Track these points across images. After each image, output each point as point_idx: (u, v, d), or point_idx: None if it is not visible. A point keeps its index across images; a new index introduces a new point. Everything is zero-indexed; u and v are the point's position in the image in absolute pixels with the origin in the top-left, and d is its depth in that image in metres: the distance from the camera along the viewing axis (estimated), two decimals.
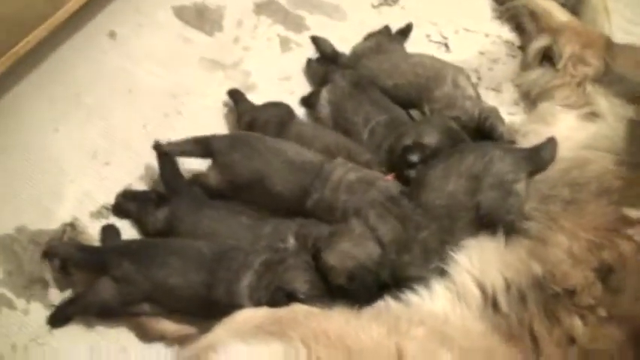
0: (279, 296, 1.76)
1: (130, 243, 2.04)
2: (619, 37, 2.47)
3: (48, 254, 2.05)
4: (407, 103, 2.33)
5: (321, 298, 1.78)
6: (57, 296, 2.04)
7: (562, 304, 1.70)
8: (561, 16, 2.49)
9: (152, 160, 2.24)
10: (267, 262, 1.84)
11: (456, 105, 2.24)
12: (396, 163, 2.09)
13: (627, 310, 1.68)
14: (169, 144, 2.15)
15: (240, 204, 2.09)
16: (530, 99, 2.41)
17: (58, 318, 1.98)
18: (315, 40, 2.61)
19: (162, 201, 2.09)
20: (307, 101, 2.43)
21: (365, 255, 1.82)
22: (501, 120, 2.20)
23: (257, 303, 1.79)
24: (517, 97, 2.47)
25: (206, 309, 1.86)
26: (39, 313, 2.01)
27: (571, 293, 1.71)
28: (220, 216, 2.03)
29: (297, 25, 2.70)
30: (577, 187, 1.91)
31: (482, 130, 2.18)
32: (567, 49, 2.33)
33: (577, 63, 2.29)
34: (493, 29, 2.67)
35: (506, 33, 2.66)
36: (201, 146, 2.13)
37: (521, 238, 1.83)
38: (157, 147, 2.13)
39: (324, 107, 2.32)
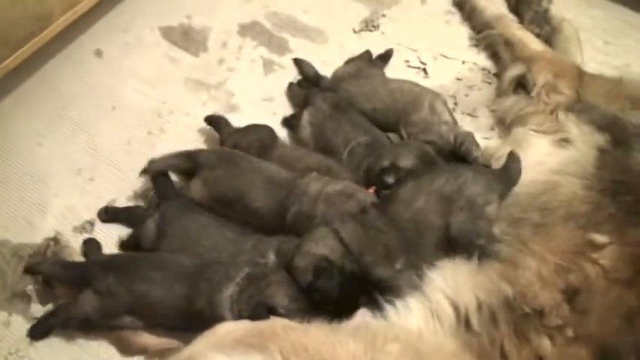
0: (260, 311, 1.80)
1: (114, 257, 2.07)
2: (591, 67, 2.56)
3: (30, 271, 2.08)
4: (385, 127, 2.39)
5: (302, 313, 1.82)
6: (39, 310, 2.05)
7: (531, 324, 1.75)
8: (535, 45, 2.56)
9: (135, 176, 2.30)
10: (249, 277, 1.88)
11: (432, 129, 2.30)
12: (373, 184, 2.14)
13: (593, 331, 1.74)
14: (156, 161, 2.22)
15: (225, 218, 2.13)
16: (504, 124, 2.46)
17: (39, 330, 1.99)
18: (298, 63, 2.68)
19: (147, 214, 2.13)
20: (289, 123, 2.49)
21: (327, 250, 1.87)
22: (476, 144, 2.26)
23: (237, 315, 1.83)
24: (492, 122, 2.53)
25: (187, 321, 1.90)
26: (20, 325, 2.02)
27: (540, 314, 1.76)
28: (207, 225, 2.07)
29: (281, 48, 2.77)
30: (547, 211, 1.97)
31: (458, 154, 2.23)
32: (541, 78, 2.39)
33: (550, 91, 2.35)
34: (470, 56, 2.75)
35: (483, 60, 2.73)
36: (188, 160, 2.19)
37: (492, 260, 1.88)
38: (148, 168, 2.22)
39: (305, 128, 2.37)
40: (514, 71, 2.51)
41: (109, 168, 2.39)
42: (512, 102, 2.46)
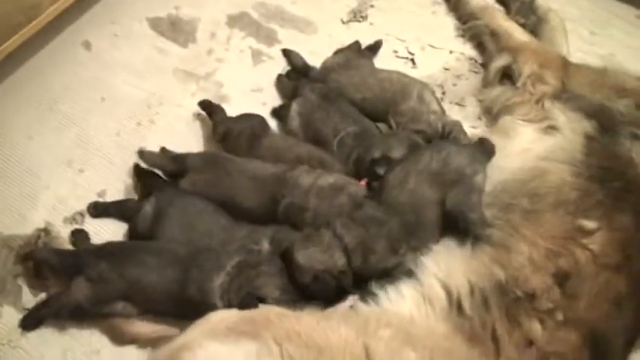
0: (249, 301, 1.80)
1: (107, 244, 2.07)
2: (577, 57, 2.59)
3: (26, 258, 2.08)
4: (375, 117, 2.41)
5: (292, 303, 1.83)
6: (30, 300, 2.05)
7: (522, 308, 1.78)
8: (521, 36, 2.59)
9: (125, 167, 2.31)
10: (240, 265, 1.89)
11: (421, 119, 2.32)
12: (364, 175, 2.16)
13: (583, 315, 1.78)
14: (145, 153, 2.25)
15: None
16: (492, 114, 2.48)
17: (31, 321, 1.99)
18: (287, 53, 2.69)
19: (139, 205, 2.14)
20: (278, 114, 2.49)
21: (331, 262, 1.88)
22: (464, 133, 2.29)
23: (227, 304, 1.84)
24: (480, 111, 2.55)
25: (179, 308, 1.91)
26: (12, 316, 2.02)
27: (531, 297, 1.79)
28: (202, 211, 2.08)
29: (269, 39, 2.77)
30: (536, 197, 1.99)
31: None
32: (526, 68, 2.41)
33: (536, 82, 2.37)
34: (457, 46, 2.77)
35: (469, 50, 2.76)
36: (176, 163, 2.21)
37: (484, 244, 1.91)
38: (140, 152, 2.25)
39: (294, 119, 2.38)
40: (500, 62, 2.54)
41: (99, 159, 2.38)
42: (499, 92, 2.48)
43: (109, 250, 2.00)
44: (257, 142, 2.28)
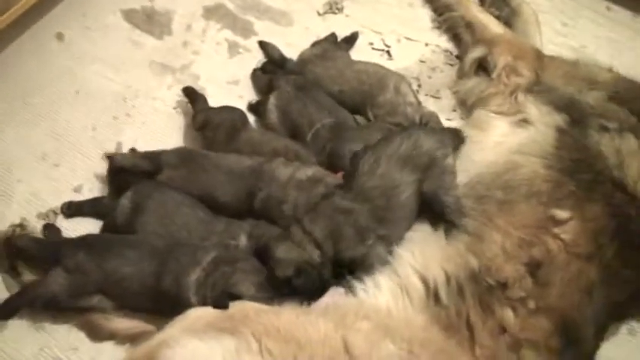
0: (222, 299, 1.81)
1: (87, 236, 2.07)
2: (549, 48, 2.63)
3: (5, 244, 2.06)
4: (352, 108, 2.42)
5: (269, 300, 1.84)
6: (4, 297, 2.01)
7: (495, 296, 1.82)
8: (496, 28, 2.61)
9: (102, 162, 2.28)
10: (216, 260, 1.90)
11: (398, 111, 2.34)
12: (345, 167, 2.15)
13: (554, 303, 1.83)
14: (119, 155, 2.23)
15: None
16: (466, 106, 2.51)
17: (5, 310, 1.96)
18: (263, 46, 2.68)
19: (114, 203, 2.13)
20: (255, 109, 2.49)
21: (307, 256, 1.90)
22: (440, 125, 2.33)
23: (202, 299, 1.85)
24: (455, 103, 2.58)
25: (155, 302, 1.92)
26: None
27: (504, 286, 1.83)
28: (181, 203, 2.08)
29: (246, 31, 2.76)
30: (509, 189, 2.03)
31: None
32: (501, 59, 2.44)
33: (510, 73, 2.39)
34: (432, 39, 2.79)
35: (445, 42, 2.78)
36: (150, 161, 2.19)
37: (460, 233, 1.95)
38: (110, 157, 2.21)
39: (272, 112, 2.38)
40: (475, 53, 2.56)
41: (75, 154, 2.37)
42: (474, 83, 2.51)
43: (88, 241, 2.00)
44: (236, 136, 2.28)
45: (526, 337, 1.78)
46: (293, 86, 2.40)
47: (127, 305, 1.98)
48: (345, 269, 1.93)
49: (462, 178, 2.07)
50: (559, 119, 2.18)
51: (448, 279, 1.86)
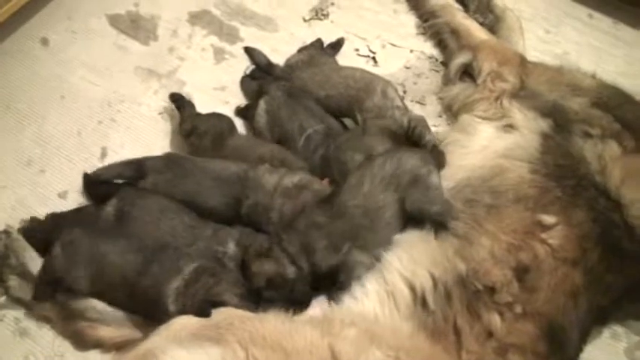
0: (205, 308, 1.81)
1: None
2: (533, 55, 2.65)
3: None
4: (338, 113, 2.43)
5: (253, 309, 1.85)
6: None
7: (482, 301, 1.83)
8: (480, 34, 2.63)
9: (87, 167, 2.27)
10: (198, 270, 1.89)
11: (386, 115, 2.34)
12: (342, 174, 2.16)
13: (540, 308, 1.84)
14: (101, 169, 2.23)
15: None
16: (452, 111, 2.52)
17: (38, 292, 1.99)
18: (249, 51, 2.68)
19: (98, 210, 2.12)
20: (243, 114, 2.49)
21: (282, 269, 1.93)
22: (428, 128, 2.29)
23: (181, 307, 1.84)
24: (440, 109, 2.59)
25: (131, 298, 1.92)
26: None
27: (491, 290, 1.84)
28: (166, 209, 2.07)
29: (231, 37, 2.76)
30: (497, 193, 2.04)
31: (411, 138, 2.25)
32: (486, 65, 2.45)
33: (495, 79, 2.41)
34: (418, 45, 2.80)
35: (430, 49, 2.79)
36: (135, 167, 2.18)
37: (448, 236, 1.96)
38: (87, 177, 2.23)
39: (261, 117, 2.38)
40: (460, 59, 2.57)
41: (60, 159, 2.36)
42: (459, 89, 2.52)
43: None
44: (222, 143, 2.27)
45: (512, 342, 1.79)
46: (284, 92, 2.40)
47: (105, 297, 1.96)
48: (328, 280, 1.94)
49: (448, 182, 2.08)
50: (544, 125, 2.20)
51: (435, 284, 1.87)
